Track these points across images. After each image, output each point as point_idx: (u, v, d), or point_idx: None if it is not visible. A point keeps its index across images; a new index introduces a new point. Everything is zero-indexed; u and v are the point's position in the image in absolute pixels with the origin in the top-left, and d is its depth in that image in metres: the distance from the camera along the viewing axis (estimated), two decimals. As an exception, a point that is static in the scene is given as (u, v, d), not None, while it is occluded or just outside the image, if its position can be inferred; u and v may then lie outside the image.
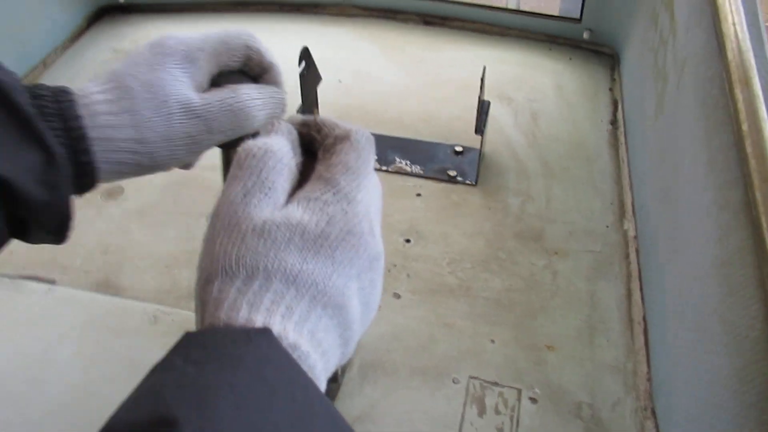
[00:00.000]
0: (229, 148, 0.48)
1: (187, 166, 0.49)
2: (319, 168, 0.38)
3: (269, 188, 0.36)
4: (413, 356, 0.65)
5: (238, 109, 0.43)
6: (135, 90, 0.39)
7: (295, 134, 0.39)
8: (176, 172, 0.86)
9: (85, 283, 0.71)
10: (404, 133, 0.92)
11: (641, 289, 0.70)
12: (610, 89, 1.00)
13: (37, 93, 0.37)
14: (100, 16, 1.19)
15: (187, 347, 0.29)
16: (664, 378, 0.59)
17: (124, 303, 0.62)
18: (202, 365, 0.28)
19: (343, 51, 1.08)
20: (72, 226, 0.40)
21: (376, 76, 1.04)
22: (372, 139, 0.39)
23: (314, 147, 0.40)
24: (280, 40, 1.11)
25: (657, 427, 0.59)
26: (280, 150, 0.37)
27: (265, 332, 0.30)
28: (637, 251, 0.74)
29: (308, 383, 0.29)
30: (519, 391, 0.62)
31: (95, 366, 0.56)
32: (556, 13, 1.12)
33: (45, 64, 1.09)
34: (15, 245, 0.76)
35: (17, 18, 1.03)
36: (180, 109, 0.40)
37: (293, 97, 0.84)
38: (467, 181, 0.84)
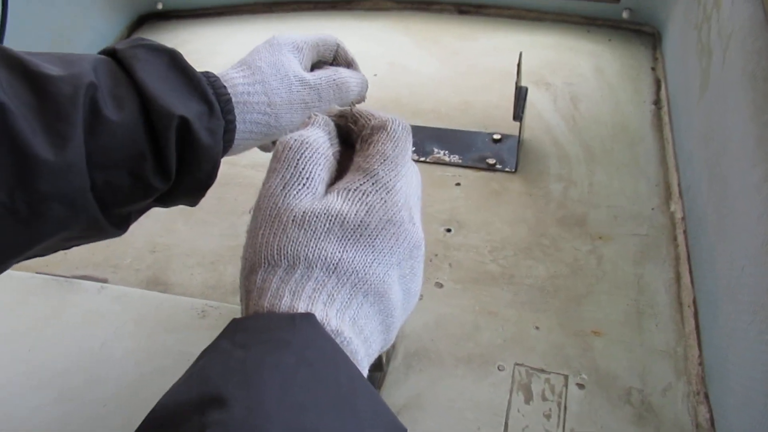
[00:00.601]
0: None
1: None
2: (357, 159, 0.38)
3: (307, 178, 0.36)
4: (457, 345, 0.64)
5: (341, 82, 0.52)
6: (263, 68, 0.48)
7: (331, 125, 0.40)
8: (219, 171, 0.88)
9: (135, 280, 0.74)
10: (441, 124, 0.92)
11: (690, 272, 0.68)
12: (653, 69, 0.98)
13: (203, 74, 0.46)
14: (140, 23, 1.22)
15: (233, 332, 0.30)
16: (717, 362, 0.58)
17: (174, 299, 0.64)
18: (248, 348, 0.29)
19: (378, 45, 1.09)
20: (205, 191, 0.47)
21: (412, 68, 1.03)
22: (409, 128, 0.40)
23: (352, 138, 0.40)
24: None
25: (711, 411, 0.57)
26: (316, 141, 0.38)
27: (309, 317, 0.31)
28: (685, 233, 0.72)
29: (351, 367, 0.30)
30: (566, 377, 0.61)
31: (149, 360, 0.58)
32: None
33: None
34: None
35: (62, 29, 1.06)
36: (297, 81, 0.49)
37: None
38: (507, 169, 0.83)
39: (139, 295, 0.65)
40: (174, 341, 0.59)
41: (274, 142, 0.57)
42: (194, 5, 1.20)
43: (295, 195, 0.36)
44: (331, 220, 0.35)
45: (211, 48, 1.13)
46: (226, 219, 0.81)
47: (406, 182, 0.38)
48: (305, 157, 0.37)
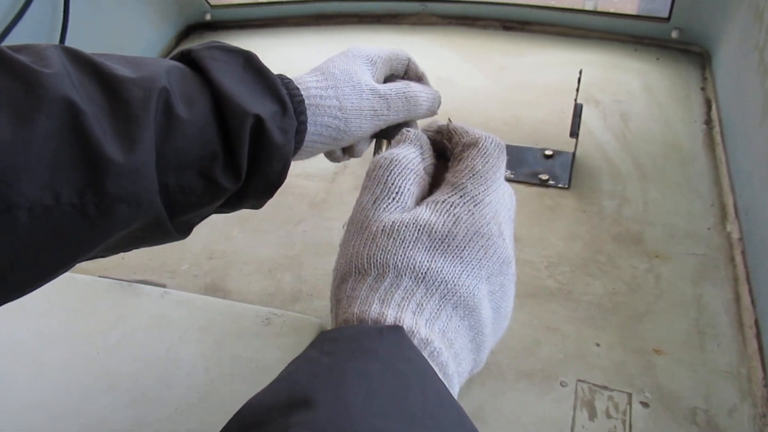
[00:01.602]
0: (380, 138, 0.58)
1: (358, 153, 0.59)
2: (448, 175, 0.39)
3: (396, 192, 0.37)
4: (518, 359, 0.64)
5: (410, 96, 0.53)
6: (336, 74, 0.49)
7: (424, 140, 0.41)
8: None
9: (193, 286, 0.75)
10: (491, 138, 0.92)
11: (750, 293, 0.68)
12: (702, 89, 0.98)
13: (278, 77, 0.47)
14: (188, 33, 1.24)
15: (321, 342, 0.31)
16: (785, 384, 0.57)
17: (236, 306, 0.65)
18: (335, 355, 0.29)
19: (424, 59, 1.09)
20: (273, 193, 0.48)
21: (459, 83, 1.04)
22: (502, 146, 0.40)
23: (447, 154, 0.41)
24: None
25: (779, 434, 0.57)
26: (405, 157, 0.39)
27: (397, 329, 0.31)
28: (743, 254, 0.72)
29: (438, 382, 0.29)
30: (629, 395, 0.61)
31: (216, 366, 0.58)
32: (633, 12, 1.10)
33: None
34: (126, 252, 0.80)
35: (114, 36, 1.08)
36: (369, 90, 0.50)
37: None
38: (560, 185, 0.83)
39: (201, 302, 0.65)
40: (240, 348, 0.60)
41: (344, 150, 0.58)
42: (242, 17, 1.22)
43: (384, 208, 0.37)
44: (419, 230, 0.35)
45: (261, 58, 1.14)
46: (281, 227, 0.81)
47: (496, 198, 0.38)
48: (394, 173, 0.38)
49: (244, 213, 0.85)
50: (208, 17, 1.22)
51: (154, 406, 0.55)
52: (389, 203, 0.38)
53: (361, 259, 0.36)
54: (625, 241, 0.76)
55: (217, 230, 0.82)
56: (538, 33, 1.13)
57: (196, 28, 1.24)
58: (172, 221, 0.40)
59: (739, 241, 0.74)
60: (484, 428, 0.59)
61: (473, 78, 1.05)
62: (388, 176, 0.39)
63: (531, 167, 0.86)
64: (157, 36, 1.17)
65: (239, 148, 0.40)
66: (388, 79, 0.56)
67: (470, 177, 0.37)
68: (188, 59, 0.43)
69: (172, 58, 0.44)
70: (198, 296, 0.67)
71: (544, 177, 0.84)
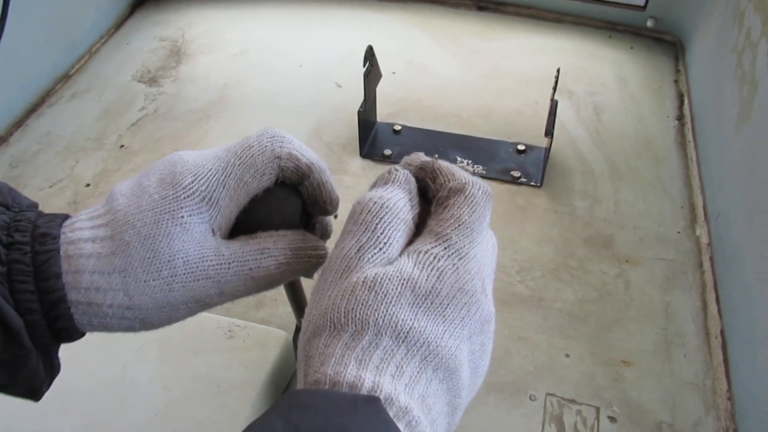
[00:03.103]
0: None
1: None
2: (431, 222, 0.36)
3: (384, 243, 0.34)
4: (490, 371, 0.63)
5: (258, 275, 0.35)
6: (132, 246, 0.32)
7: (413, 184, 0.37)
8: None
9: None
10: (463, 129, 0.89)
11: (717, 302, 0.68)
12: (675, 81, 0.97)
13: (14, 240, 0.31)
14: (143, 1, 1.16)
15: (288, 408, 0.28)
16: (749, 399, 0.58)
17: (197, 316, 0.61)
18: (302, 431, 0.26)
19: (396, 40, 1.05)
20: (45, 390, 0.34)
21: (431, 68, 1.01)
22: (489, 193, 0.37)
23: (428, 194, 0.38)
24: (332, 27, 1.08)
25: (741, 449, 0.58)
26: (396, 204, 0.35)
27: (373, 401, 0.28)
28: (711, 260, 0.72)
29: None
30: (597, 410, 0.61)
31: (177, 385, 0.56)
32: (611, -3, 1.08)
33: (91, 52, 1.07)
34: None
35: (65, 9, 1.01)
36: (187, 270, 0.33)
37: (357, 95, 0.82)
38: (532, 183, 0.82)
39: (160, 310, 0.62)
40: (202, 365, 0.57)
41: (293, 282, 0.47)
42: (201, -15, 1.15)
43: (369, 259, 0.34)
44: (402, 284, 0.33)
45: (220, 34, 1.08)
46: (244, 225, 0.78)
47: (481, 251, 0.35)
48: (384, 221, 0.34)
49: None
50: (164, -16, 1.14)
51: (110, 431, 0.52)
52: (375, 253, 0.34)
53: (338, 313, 0.32)
54: (596, 244, 0.75)
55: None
56: (511, 15, 1.10)
57: (151, -5, 1.16)
58: None
59: (708, 246, 0.74)
60: (454, 445, 0.58)
61: (446, 63, 1.01)
62: (377, 224, 0.35)
63: (503, 163, 0.84)
64: (110, 5, 1.10)
65: None
66: (251, 207, 0.36)
67: (456, 228, 0.34)
68: None
69: None
70: (156, 304, 0.63)
71: (516, 174, 0.82)
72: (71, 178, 0.87)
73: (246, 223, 0.36)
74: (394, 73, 0.98)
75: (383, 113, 0.91)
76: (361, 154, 0.85)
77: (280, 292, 0.70)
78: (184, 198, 0.33)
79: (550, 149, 0.81)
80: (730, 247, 0.68)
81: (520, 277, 0.72)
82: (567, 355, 0.65)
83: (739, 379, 0.61)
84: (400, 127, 0.89)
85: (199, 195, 0.33)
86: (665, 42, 1.03)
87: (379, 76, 0.83)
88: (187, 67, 1.04)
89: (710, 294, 0.70)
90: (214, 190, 0.34)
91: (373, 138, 0.87)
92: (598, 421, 0.60)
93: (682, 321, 0.68)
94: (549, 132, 0.77)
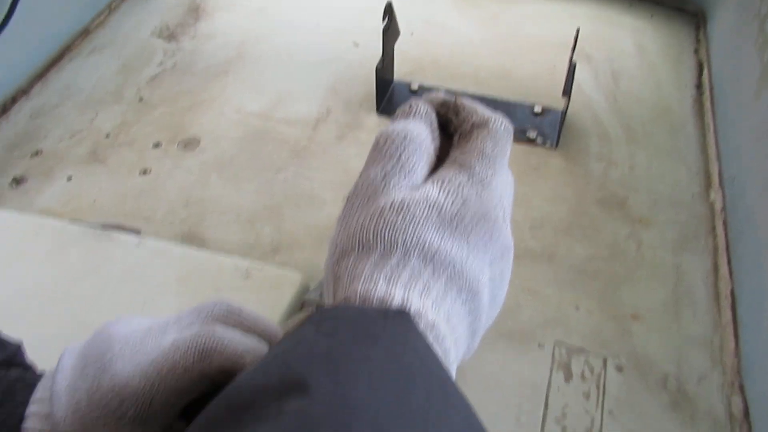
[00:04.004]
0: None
1: None
2: (454, 153, 0.37)
3: (408, 170, 0.35)
4: (499, 321, 0.64)
5: None
6: None
7: (434, 117, 0.38)
8: (252, 125, 0.86)
9: (170, 234, 0.72)
10: (480, 90, 0.90)
11: (729, 263, 0.69)
12: (695, 51, 0.96)
13: None
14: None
15: (319, 320, 0.28)
16: (756, 355, 0.59)
17: (216, 258, 0.63)
18: (335, 338, 0.27)
19: (414, 1, 1.05)
20: None
21: (449, 29, 1.00)
22: (510, 130, 0.38)
23: (449, 129, 0.39)
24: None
25: (745, 402, 0.59)
26: (419, 135, 0.36)
27: (402, 314, 0.29)
28: (725, 224, 0.73)
29: (443, 372, 0.28)
30: (605, 359, 0.62)
31: (194, 320, 0.57)
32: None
33: (111, 8, 1.08)
34: (98, 195, 0.77)
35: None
36: None
37: (375, 53, 0.82)
38: (547, 144, 0.82)
39: (179, 252, 0.63)
40: (220, 302, 0.58)
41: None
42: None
43: (395, 184, 0.35)
44: (429, 208, 0.34)
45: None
46: (260, 175, 0.79)
47: (502, 183, 0.36)
48: (408, 150, 0.35)
49: (220, 158, 0.82)
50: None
51: (131, 360, 0.54)
52: (400, 179, 0.35)
53: (366, 234, 0.33)
54: (609, 205, 0.76)
55: (193, 175, 0.79)
56: (532, -19, 1.09)
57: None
58: None
59: (722, 211, 0.74)
60: (464, 388, 0.59)
61: (464, 25, 1.01)
62: (402, 152, 0.36)
63: (520, 124, 0.84)
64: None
65: None
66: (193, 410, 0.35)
67: (479, 159, 0.35)
68: None
69: None
70: (175, 246, 0.65)
71: (533, 135, 0.82)
72: (91, 129, 0.88)
73: (189, 420, 0.35)
74: (412, 34, 0.98)
75: (400, 72, 0.91)
76: (377, 111, 0.86)
77: (295, 238, 0.71)
78: (115, 422, 0.33)
79: (566, 111, 0.81)
80: (744, 211, 0.69)
81: (532, 233, 0.73)
82: (576, 308, 0.66)
83: (747, 337, 0.61)
84: (417, 86, 0.89)
85: (129, 418, 0.34)
86: (686, 12, 1.02)
87: (397, 33, 0.83)
88: (206, 24, 1.04)
89: (722, 256, 0.70)
90: (143, 412, 0.34)
91: (390, 96, 0.88)
92: (605, 370, 0.61)
93: (693, 281, 0.69)
94: (567, 92, 0.77)
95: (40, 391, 0.34)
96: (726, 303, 0.66)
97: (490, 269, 0.34)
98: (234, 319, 0.38)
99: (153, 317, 0.37)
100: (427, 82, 0.90)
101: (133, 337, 0.36)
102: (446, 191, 0.34)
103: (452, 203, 0.33)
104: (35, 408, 0.34)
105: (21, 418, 0.33)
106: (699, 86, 0.90)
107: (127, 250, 0.64)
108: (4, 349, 0.37)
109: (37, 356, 0.54)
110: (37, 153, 0.84)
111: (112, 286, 0.60)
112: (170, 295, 0.59)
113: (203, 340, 0.34)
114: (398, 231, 0.32)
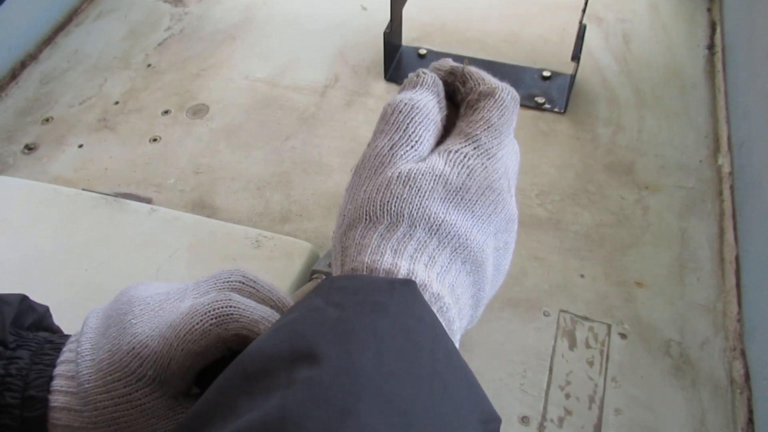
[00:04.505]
0: None
1: None
2: (460, 123, 0.37)
3: (416, 141, 0.35)
4: (505, 288, 0.65)
5: None
6: (99, 426, 0.34)
7: (441, 88, 0.38)
8: (260, 92, 0.86)
9: (181, 202, 0.73)
10: (488, 55, 0.89)
11: (735, 228, 0.69)
12: (708, 10, 0.94)
13: (5, 404, 0.33)
14: None
15: (328, 290, 0.29)
16: (758, 321, 0.59)
17: (227, 226, 0.64)
18: (343, 307, 0.28)
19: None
20: None
21: (458, -10, 0.99)
22: (517, 99, 0.38)
23: (457, 98, 0.39)
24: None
25: (746, 367, 0.60)
26: (426, 105, 0.36)
27: (409, 284, 0.30)
28: (732, 189, 0.73)
29: (448, 341, 0.28)
30: (609, 327, 0.63)
31: (206, 288, 0.58)
32: None
33: (116, -30, 1.07)
34: (109, 163, 0.78)
35: None
36: None
37: (383, 18, 0.81)
38: (555, 109, 0.81)
39: (191, 220, 0.65)
40: (231, 270, 0.60)
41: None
42: None
43: (402, 155, 0.35)
44: (435, 179, 0.34)
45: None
46: (269, 143, 0.79)
47: (507, 153, 0.37)
48: (416, 121, 0.36)
49: (229, 126, 0.82)
50: None
51: (146, 328, 0.56)
52: (407, 151, 0.36)
53: (373, 206, 0.34)
54: (616, 170, 0.76)
55: (202, 143, 0.80)
56: (543, -62, 1.06)
57: None
58: None
59: (729, 175, 0.74)
60: (470, 355, 0.61)
61: (472, -14, 0.99)
62: (409, 123, 0.36)
63: (528, 89, 0.84)
64: None
65: None
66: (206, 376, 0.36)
67: (485, 129, 0.35)
68: None
69: None
70: (186, 214, 0.66)
71: (541, 100, 0.82)
72: (100, 95, 0.89)
73: (204, 388, 0.36)
74: (420, -4, 0.97)
75: (408, 37, 0.90)
76: (385, 77, 0.86)
77: (305, 208, 0.72)
78: (135, 383, 0.34)
79: (575, 75, 0.80)
80: (750, 175, 0.69)
81: (539, 200, 0.73)
82: (582, 276, 0.67)
83: (750, 302, 0.62)
84: (425, 51, 0.88)
85: (148, 379, 0.34)
86: (701, -31, 1.00)
87: (406, -4, 0.82)
88: (212, -13, 1.03)
89: (728, 221, 0.70)
90: (161, 373, 0.34)
91: (397, 61, 0.87)
92: (609, 337, 0.62)
93: (698, 247, 0.69)
94: (576, 56, 0.76)
95: (66, 353, 0.36)
96: (731, 268, 0.67)
97: (495, 240, 0.35)
98: (249, 289, 0.39)
99: (171, 283, 0.39)
100: (436, 47, 0.89)
101: (153, 301, 0.38)
102: (452, 163, 0.34)
103: (458, 175, 0.34)
104: (62, 368, 0.35)
105: (50, 378, 0.35)
106: (711, 47, 0.89)
107: (139, 218, 0.65)
108: (33, 312, 0.39)
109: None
110: (48, 120, 0.85)
111: (126, 254, 0.61)
112: (182, 263, 0.60)
113: (220, 306, 0.35)
114: (404, 203, 0.33)
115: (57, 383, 0.35)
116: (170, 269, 0.60)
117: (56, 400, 0.34)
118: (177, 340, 0.35)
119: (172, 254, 0.61)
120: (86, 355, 0.36)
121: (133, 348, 0.35)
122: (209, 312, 0.35)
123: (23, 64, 0.94)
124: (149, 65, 0.92)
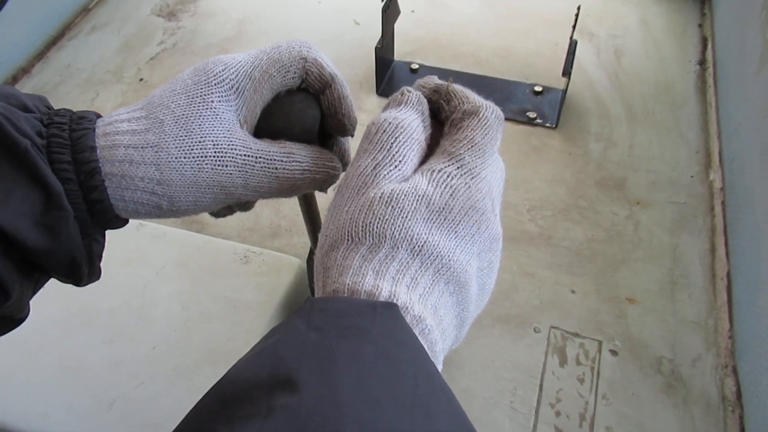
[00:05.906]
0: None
1: (246, 206, 0.43)
2: (444, 142, 0.37)
3: (399, 161, 0.35)
4: (495, 304, 0.65)
5: (283, 177, 0.37)
6: (166, 124, 0.34)
7: (425, 106, 0.38)
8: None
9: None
10: (481, 70, 0.89)
11: (726, 244, 0.69)
12: (700, 25, 0.95)
13: (53, 121, 0.33)
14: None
15: (309, 312, 0.29)
16: (750, 337, 0.59)
17: (215, 242, 0.64)
18: (324, 331, 0.27)
19: (415, -23, 1.04)
20: (86, 272, 0.35)
21: (450, 6, 0.99)
22: (501, 117, 0.38)
23: (441, 116, 0.39)
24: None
25: (738, 385, 0.59)
26: (410, 125, 0.36)
27: (391, 307, 0.30)
28: (723, 204, 0.72)
29: (430, 365, 0.28)
30: (600, 343, 0.63)
31: (194, 304, 0.58)
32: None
33: (110, -15, 1.07)
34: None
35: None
36: (216, 153, 0.34)
37: (375, 32, 0.81)
38: (547, 124, 0.81)
39: (179, 236, 0.64)
40: (219, 287, 0.59)
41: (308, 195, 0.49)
42: None
43: (385, 175, 0.35)
44: (418, 200, 0.34)
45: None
46: (260, 158, 0.79)
47: (491, 172, 0.36)
48: (399, 141, 0.36)
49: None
50: None
51: (131, 345, 0.55)
52: (390, 170, 0.36)
53: (355, 227, 0.34)
54: (608, 186, 0.76)
55: (194, 158, 0.79)
56: (535, -46, 1.07)
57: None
58: None
59: (721, 190, 0.74)
60: (460, 372, 0.61)
61: (465, 3, 1.00)
62: (392, 143, 0.36)
63: (519, 104, 0.84)
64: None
65: None
66: (274, 104, 0.38)
67: (469, 148, 0.35)
68: None
69: None
70: (175, 230, 0.65)
71: (532, 115, 0.82)
72: (92, 109, 0.88)
73: (266, 131, 0.38)
74: (413, 11, 0.97)
75: (401, 52, 0.90)
76: (377, 92, 0.86)
77: (294, 223, 0.72)
78: (215, 84, 0.35)
79: (566, 91, 0.80)
80: (742, 190, 0.69)
81: (530, 215, 0.73)
82: (573, 292, 0.66)
83: (742, 319, 0.62)
84: (417, 66, 0.88)
85: (228, 83, 0.35)
86: (692, -15, 1.00)
87: (397, 12, 0.82)
88: (206, 2, 1.03)
89: (719, 237, 0.70)
90: (242, 80, 0.36)
91: (389, 76, 0.87)
92: (600, 354, 0.62)
93: (689, 263, 0.69)
94: (566, 72, 0.76)
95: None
96: (722, 284, 0.67)
97: (479, 260, 0.34)
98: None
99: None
100: (428, 62, 0.89)
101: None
102: (435, 183, 0.34)
103: (441, 195, 0.34)
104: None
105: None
106: (703, 62, 0.89)
107: (127, 234, 0.65)
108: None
109: (35, 339, 0.55)
110: (38, 135, 0.85)
111: (113, 270, 0.61)
112: (169, 279, 0.60)
113: (304, 39, 0.38)
114: (387, 224, 0.33)
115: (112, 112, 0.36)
116: (158, 285, 0.60)
117: (112, 114, 0.35)
118: (263, 53, 0.37)
119: (159, 270, 0.61)
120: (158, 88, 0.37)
121: (219, 59, 0.36)
122: (295, 39, 0.38)
123: (15, 78, 0.94)
124: (141, 79, 0.92)
